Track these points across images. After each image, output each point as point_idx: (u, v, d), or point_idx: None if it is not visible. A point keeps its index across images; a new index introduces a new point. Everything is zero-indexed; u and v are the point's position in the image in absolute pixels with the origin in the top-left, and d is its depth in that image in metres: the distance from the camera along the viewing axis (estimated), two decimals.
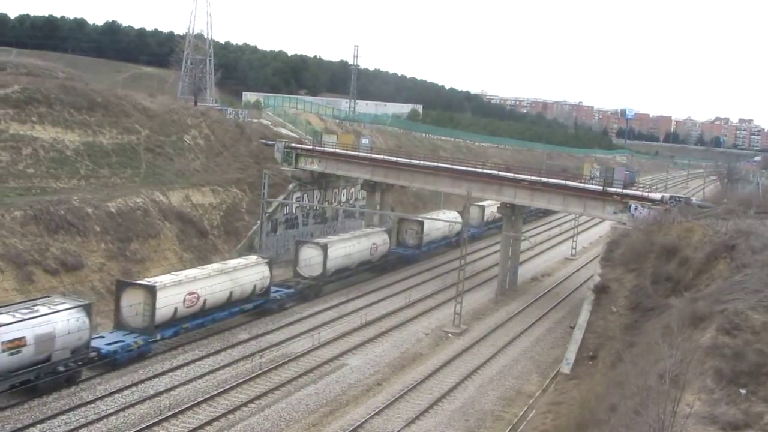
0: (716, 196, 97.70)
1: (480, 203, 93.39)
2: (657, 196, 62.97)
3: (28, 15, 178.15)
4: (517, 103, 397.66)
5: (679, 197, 62.75)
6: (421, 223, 79.96)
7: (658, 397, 22.42)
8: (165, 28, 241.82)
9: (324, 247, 62.75)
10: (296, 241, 66.39)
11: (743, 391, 26.93)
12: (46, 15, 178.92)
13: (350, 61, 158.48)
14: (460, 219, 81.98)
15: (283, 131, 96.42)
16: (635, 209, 60.57)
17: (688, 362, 24.88)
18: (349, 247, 67.20)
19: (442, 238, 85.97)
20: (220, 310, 52.01)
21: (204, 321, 50.68)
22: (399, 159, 76.89)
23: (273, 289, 57.66)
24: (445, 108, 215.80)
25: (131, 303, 45.85)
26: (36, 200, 53.83)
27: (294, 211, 78.03)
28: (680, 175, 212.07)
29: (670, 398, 21.98)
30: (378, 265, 73.15)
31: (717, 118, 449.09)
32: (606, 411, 29.47)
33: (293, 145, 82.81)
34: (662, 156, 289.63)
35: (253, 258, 57.74)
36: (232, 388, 42.00)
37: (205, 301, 49.76)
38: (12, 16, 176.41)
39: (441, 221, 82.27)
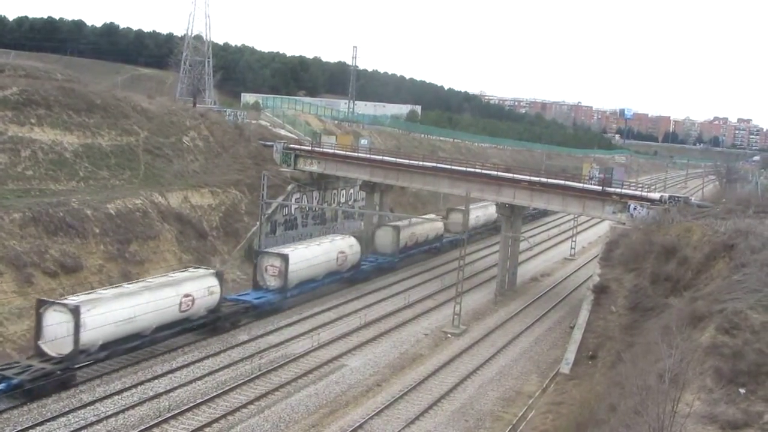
0: (715, 195, 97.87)
1: (463, 207, 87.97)
2: (656, 195, 63.00)
3: (26, 17, 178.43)
4: (516, 103, 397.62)
5: (678, 197, 62.78)
6: (397, 229, 75.92)
7: (657, 396, 22.42)
8: (164, 30, 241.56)
9: (285, 258, 57.97)
10: (255, 251, 62.77)
11: (742, 391, 26.96)
12: (45, 17, 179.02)
13: (349, 62, 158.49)
14: (441, 225, 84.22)
15: (282, 132, 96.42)
16: (634, 209, 60.59)
17: (688, 362, 24.90)
18: (312, 257, 61.88)
19: (423, 242, 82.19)
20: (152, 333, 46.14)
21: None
22: (398, 160, 76.95)
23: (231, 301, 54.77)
24: (444, 108, 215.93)
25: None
26: (35, 202, 53.79)
27: (293, 212, 78.04)
28: (679, 175, 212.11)
29: (670, 398, 22.00)
30: (347, 277, 67.14)
31: (716, 118, 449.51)
32: (606, 411, 29.48)
33: (292, 146, 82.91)
34: (661, 156, 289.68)
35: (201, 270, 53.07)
36: (231, 390, 41.97)
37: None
38: (11, 17, 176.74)
39: (421, 225, 79.91)
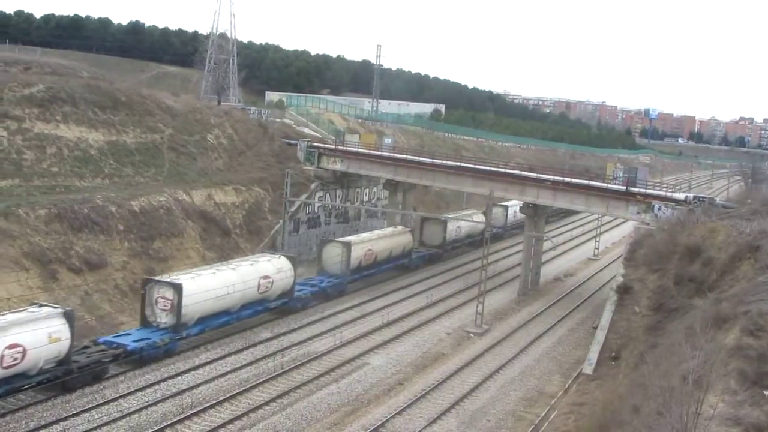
0: (740, 196, 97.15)
1: (441, 217, 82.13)
2: (681, 196, 62.70)
3: (53, 14, 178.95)
4: (540, 102, 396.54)
5: (703, 197, 62.39)
6: (348, 246, 64.31)
7: (681, 398, 22.28)
8: (189, 28, 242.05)
9: (178, 289, 46.04)
10: (144, 280, 48.63)
11: (767, 393, 26.72)
12: (71, 14, 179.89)
13: (373, 61, 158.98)
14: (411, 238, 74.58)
15: (306, 131, 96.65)
16: (659, 209, 60.28)
17: (712, 363, 24.72)
18: (220, 285, 49.37)
19: (385, 260, 70.71)
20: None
21: None
22: (421, 159, 76.93)
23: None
24: (468, 108, 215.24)
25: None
26: (60, 199, 54.18)
27: (316, 210, 78.19)
28: (704, 176, 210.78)
29: (694, 399, 21.84)
30: (274, 306, 55.87)
31: (741, 118, 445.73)
32: (628, 412, 29.32)
33: (316, 144, 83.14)
34: (686, 156, 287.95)
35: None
36: (253, 387, 42.11)
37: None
38: (38, 15, 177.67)
39: (382, 240, 70.06)
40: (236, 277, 50.57)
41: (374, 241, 68.53)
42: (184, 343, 47.43)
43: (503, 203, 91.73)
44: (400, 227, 75.82)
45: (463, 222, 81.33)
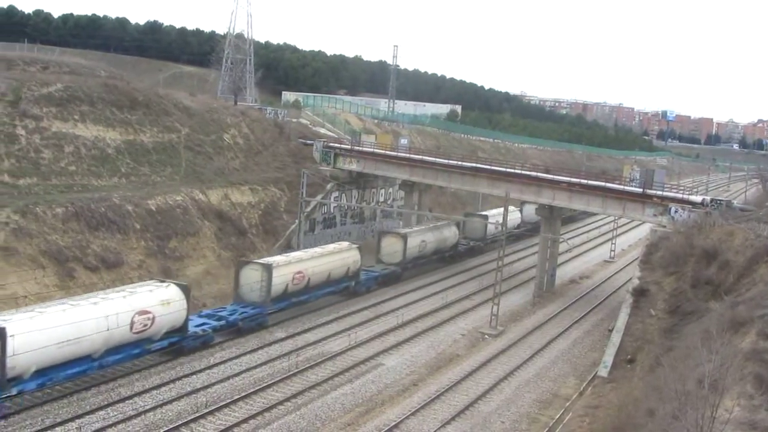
0: (758, 199, 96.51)
1: (401, 231, 73.75)
2: (698, 198, 62.39)
3: (71, 14, 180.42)
4: (557, 104, 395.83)
5: (720, 200, 62.08)
6: (269, 269, 53.20)
7: (696, 402, 22.19)
8: (206, 28, 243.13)
9: (1, 334, 34.25)
10: None
11: None
12: (89, 14, 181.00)
13: (389, 61, 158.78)
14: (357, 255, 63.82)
15: (322, 131, 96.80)
16: (675, 212, 60.02)
17: (728, 367, 24.58)
18: (65, 325, 37.43)
19: (322, 284, 59.64)
20: None
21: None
22: (437, 159, 76.89)
23: None
24: (484, 109, 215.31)
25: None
26: (77, 197, 54.43)
27: (332, 210, 78.30)
28: (721, 178, 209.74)
29: (709, 403, 21.75)
30: (159, 348, 44.49)
31: (760, 121, 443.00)
32: (644, 415, 29.23)
33: (332, 144, 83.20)
34: (703, 158, 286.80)
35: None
36: (268, 387, 42.17)
37: None
38: (56, 15, 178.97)
39: (319, 258, 59.10)
40: (97, 313, 39.07)
41: (306, 261, 57.58)
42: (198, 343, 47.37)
43: (484, 212, 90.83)
44: (345, 243, 65.46)
45: (432, 234, 76.32)
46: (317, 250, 61.74)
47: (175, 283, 45.72)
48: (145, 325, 41.89)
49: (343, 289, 62.43)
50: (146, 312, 41.81)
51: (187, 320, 45.58)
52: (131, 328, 40.92)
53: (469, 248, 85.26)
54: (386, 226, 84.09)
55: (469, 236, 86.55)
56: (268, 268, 52.98)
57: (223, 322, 49.40)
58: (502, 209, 65.03)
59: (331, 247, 63.33)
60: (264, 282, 52.74)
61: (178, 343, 45.20)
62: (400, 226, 79.60)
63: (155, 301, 42.81)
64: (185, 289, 45.46)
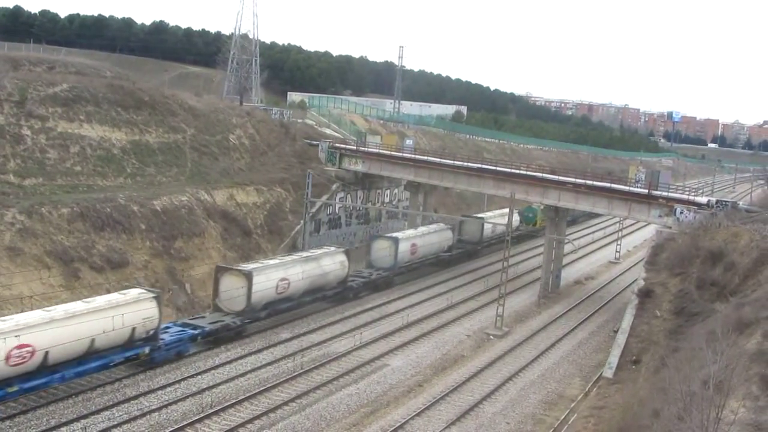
0: (764, 200, 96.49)
1: (397, 234, 70.78)
2: (703, 200, 62.34)
3: (77, 14, 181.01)
4: (563, 105, 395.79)
5: (725, 201, 61.96)
6: (250, 276, 49.86)
7: (701, 403, 22.19)
8: (212, 28, 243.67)
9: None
10: None
11: None
12: (95, 14, 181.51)
13: (395, 62, 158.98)
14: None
15: (328, 131, 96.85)
16: (681, 213, 59.93)
17: (733, 368, 24.58)
18: None
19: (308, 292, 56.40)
20: None
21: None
22: (443, 160, 76.84)
23: None
24: (490, 109, 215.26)
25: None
26: (83, 198, 54.48)
27: (337, 211, 78.30)
28: (727, 179, 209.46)
29: (714, 404, 21.74)
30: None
31: (765, 122, 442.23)
32: (649, 416, 29.21)
33: (337, 145, 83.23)
34: (709, 159, 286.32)
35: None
36: (273, 387, 42.18)
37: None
38: (62, 15, 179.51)
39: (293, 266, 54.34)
40: None
41: (289, 267, 54.11)
42: (203, 344, 47.52)
43: (479, 214, 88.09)
44: (332, 248, 61.51)
45: (425, 238, 73.80)
46: (302, 254, 58.61)
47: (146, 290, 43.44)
48: (27, 358, 34.71)
49: (333, 295, 59.57)
50: (28, 345, 34.60)
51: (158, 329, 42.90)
52: (7, 362, 33.96)
53: (465, 252, 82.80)
54: (391, 227, 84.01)
55: (465, 239, 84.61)
56: (250, 276, 49.67)
57: (173, 345, 44.46)
58: (498, 211, 64.70)
59: (318, 251, 59.53)
60: (244, 291, 49.52)
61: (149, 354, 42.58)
62: (405, 227, 79.43)
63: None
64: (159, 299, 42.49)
